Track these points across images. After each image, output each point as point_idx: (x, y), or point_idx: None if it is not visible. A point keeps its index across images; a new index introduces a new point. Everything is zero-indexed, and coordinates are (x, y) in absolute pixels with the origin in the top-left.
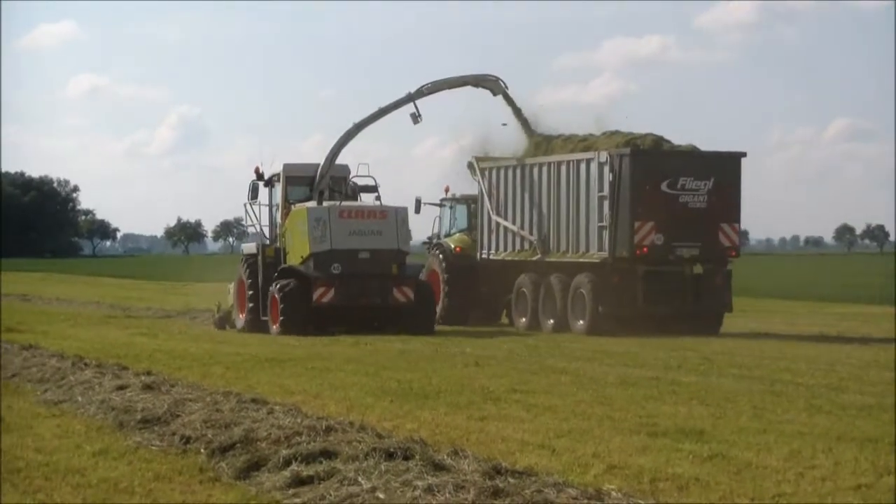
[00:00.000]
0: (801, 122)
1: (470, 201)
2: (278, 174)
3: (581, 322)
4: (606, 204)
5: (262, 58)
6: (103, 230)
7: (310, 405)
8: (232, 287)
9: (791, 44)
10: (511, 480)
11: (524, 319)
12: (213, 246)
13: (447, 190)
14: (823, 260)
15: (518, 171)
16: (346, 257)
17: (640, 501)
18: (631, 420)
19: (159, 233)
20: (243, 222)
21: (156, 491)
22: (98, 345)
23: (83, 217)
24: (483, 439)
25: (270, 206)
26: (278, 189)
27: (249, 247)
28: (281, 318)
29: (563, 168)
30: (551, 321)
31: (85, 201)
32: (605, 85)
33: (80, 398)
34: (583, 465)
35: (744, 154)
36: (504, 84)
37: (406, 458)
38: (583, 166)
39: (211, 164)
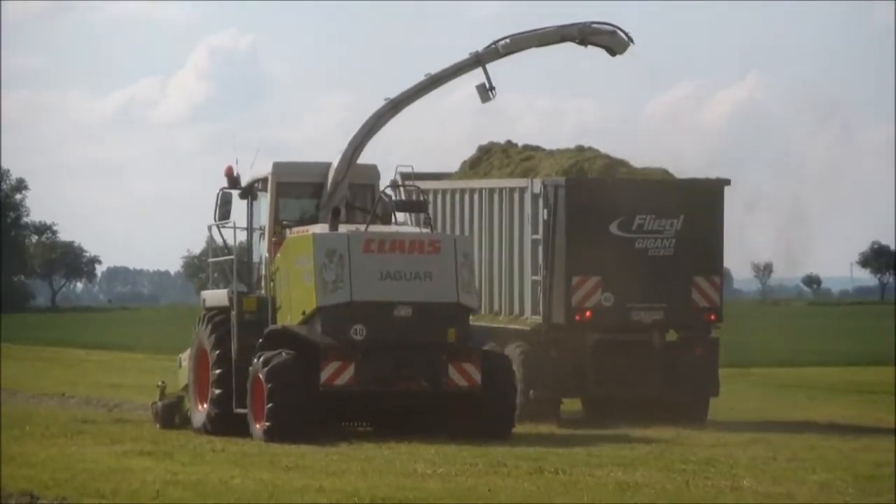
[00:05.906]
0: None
1: None
2: (264, 178)
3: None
4: (541, 251)
5: None
6: (72, 262)
7: None
8: (186, 359)
9: None
10: None
11: None
12: None
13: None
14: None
15: (448, 198)
16: (374, 315)
17: None
18: None
19: (174, 267)
20: (207, 256)
21: None
22: (66, 474)
23: (35, 238)
24: None
25: (250, 229)
26: (264, 203)
27: (216, 296)
28: (270, 413)
29: (496, 198)
30: None
31: (38, 210)
32: None
33: None
34: None
35: (727, 182)
36: (628, 36)
37: None
38: (516, 197)
39: (273, 140)
